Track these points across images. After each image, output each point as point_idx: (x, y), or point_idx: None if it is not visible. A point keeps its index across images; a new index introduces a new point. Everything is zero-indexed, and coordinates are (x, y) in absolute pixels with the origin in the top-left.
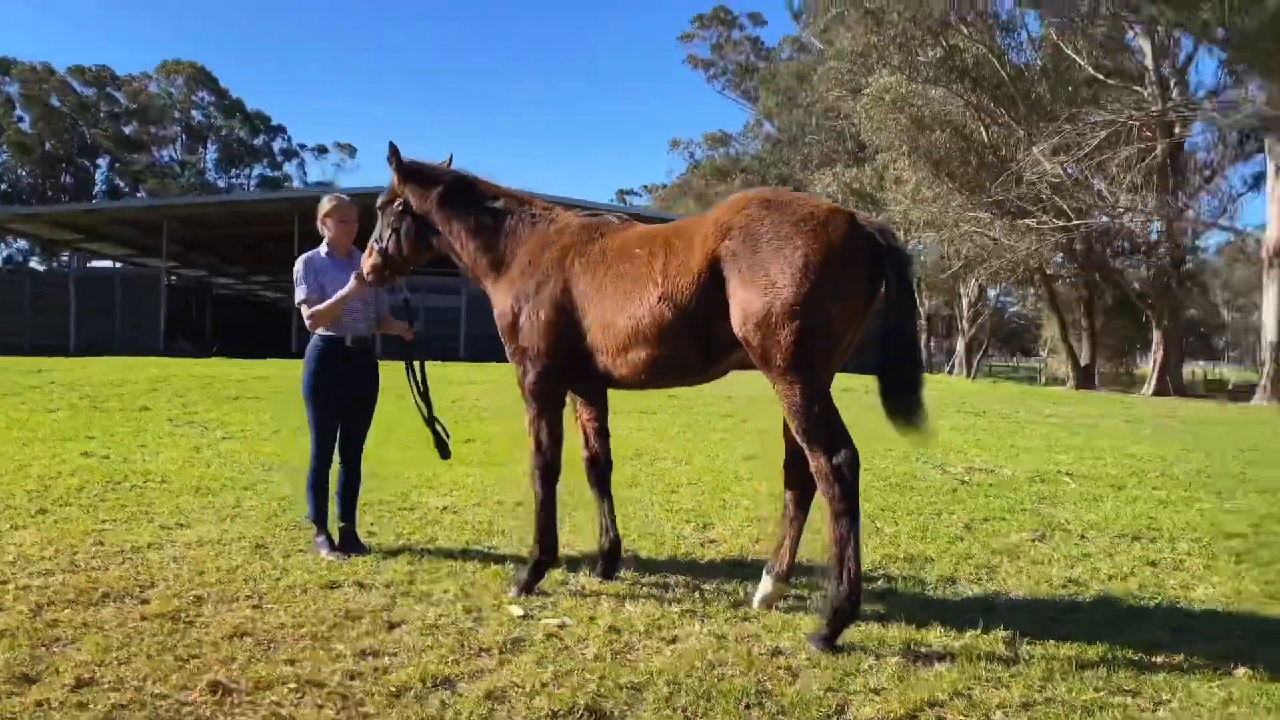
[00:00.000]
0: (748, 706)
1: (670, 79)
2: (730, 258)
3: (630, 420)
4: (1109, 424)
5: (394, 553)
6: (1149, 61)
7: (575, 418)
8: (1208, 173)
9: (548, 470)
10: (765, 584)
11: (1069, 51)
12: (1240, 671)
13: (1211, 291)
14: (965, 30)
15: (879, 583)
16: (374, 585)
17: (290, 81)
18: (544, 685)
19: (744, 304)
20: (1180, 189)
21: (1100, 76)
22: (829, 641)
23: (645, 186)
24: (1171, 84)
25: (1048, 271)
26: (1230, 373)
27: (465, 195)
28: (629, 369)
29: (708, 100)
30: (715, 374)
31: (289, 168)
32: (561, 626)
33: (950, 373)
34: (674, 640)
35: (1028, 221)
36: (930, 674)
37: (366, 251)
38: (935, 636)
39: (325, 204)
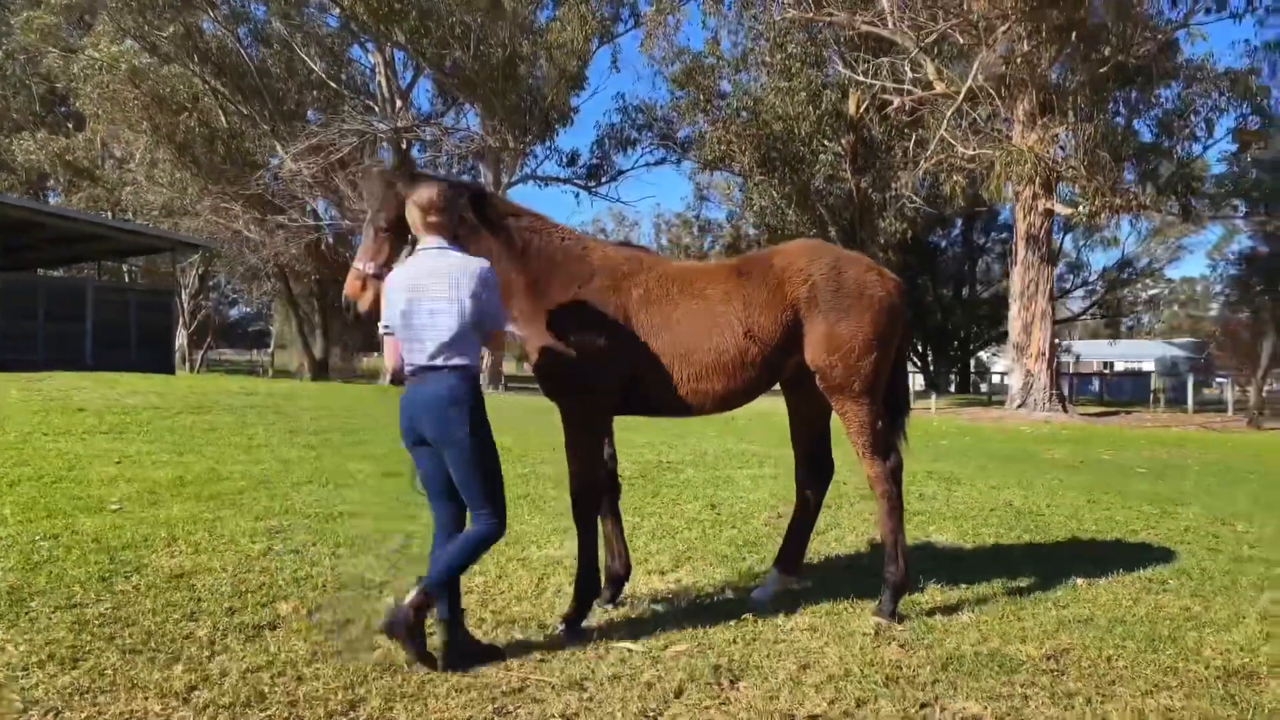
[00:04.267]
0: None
1: None
2: (811, 301)
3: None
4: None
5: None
6: (381, 78)
7: None
8: None
9: (593, 491)
10: (779, 579)
11: (302, 54)
12: (1081, 581)
13: None
14: (210, 12)
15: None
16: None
17: None
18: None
19: (828, 339)
20: None
21: (333, 85)
22: (894, 614)
23: None
24: (398, 102)
25: (297, 268)
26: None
27: (489, 210)
28: (699, 397)
29: None
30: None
31: None
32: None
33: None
34: (846, 641)
35: (280, 218)
36: (979, 621)
37: (354, 275)
38: (922, 599)
39: (434, 190)
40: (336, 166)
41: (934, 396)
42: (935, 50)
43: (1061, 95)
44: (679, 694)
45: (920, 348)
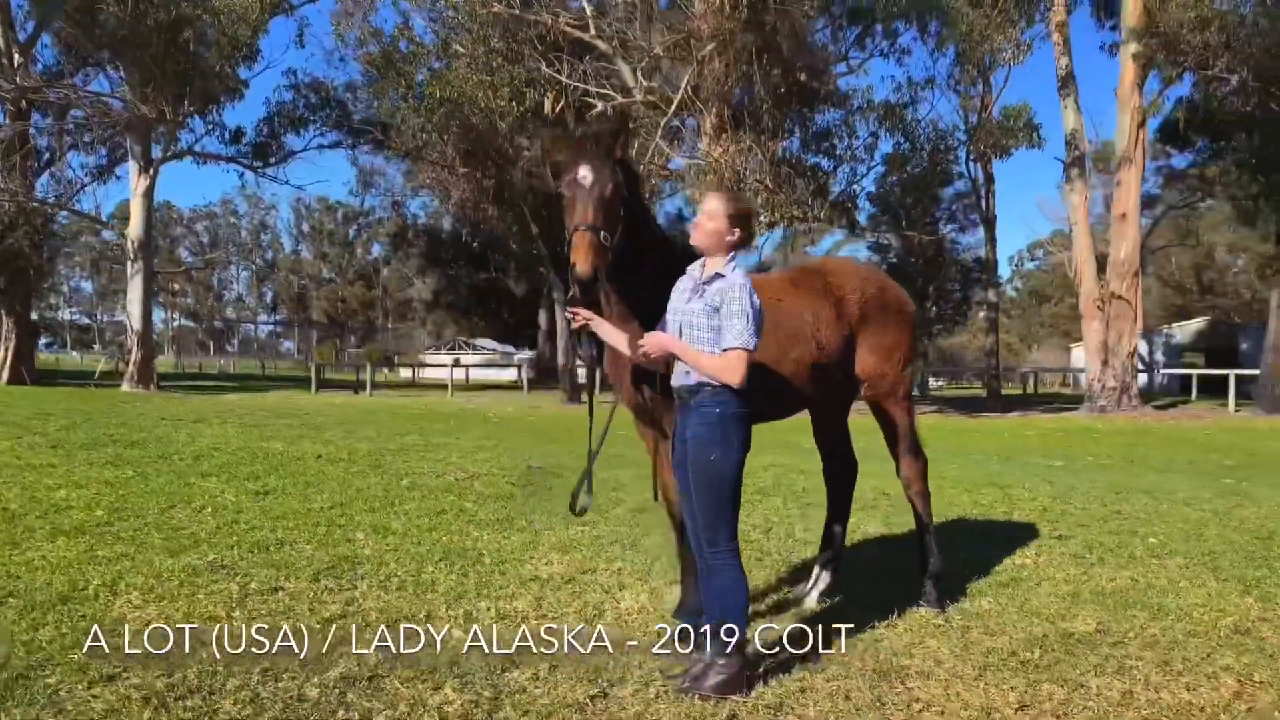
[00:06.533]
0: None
1: None
2: (864, 320)
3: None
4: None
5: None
6: None
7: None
8: (47, 156)
9: None
10: (824, 577)
11: None
12: (1028, 561)
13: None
14: None
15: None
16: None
17: None
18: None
19: (879, 350)
20: (34, 171)
21: None
22: (939, 602)
23: None
24: (17, 58)
25: None
26: (96, 360)
27: None
28: (776, 404)
29: None
30: None
31: None
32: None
33: None
34: (936, 633)
35: None
36: (1001, 606)
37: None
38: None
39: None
40: None
41: None
42: (637, 59)
43: (753, 114)
44: (879, 703)
45: None
